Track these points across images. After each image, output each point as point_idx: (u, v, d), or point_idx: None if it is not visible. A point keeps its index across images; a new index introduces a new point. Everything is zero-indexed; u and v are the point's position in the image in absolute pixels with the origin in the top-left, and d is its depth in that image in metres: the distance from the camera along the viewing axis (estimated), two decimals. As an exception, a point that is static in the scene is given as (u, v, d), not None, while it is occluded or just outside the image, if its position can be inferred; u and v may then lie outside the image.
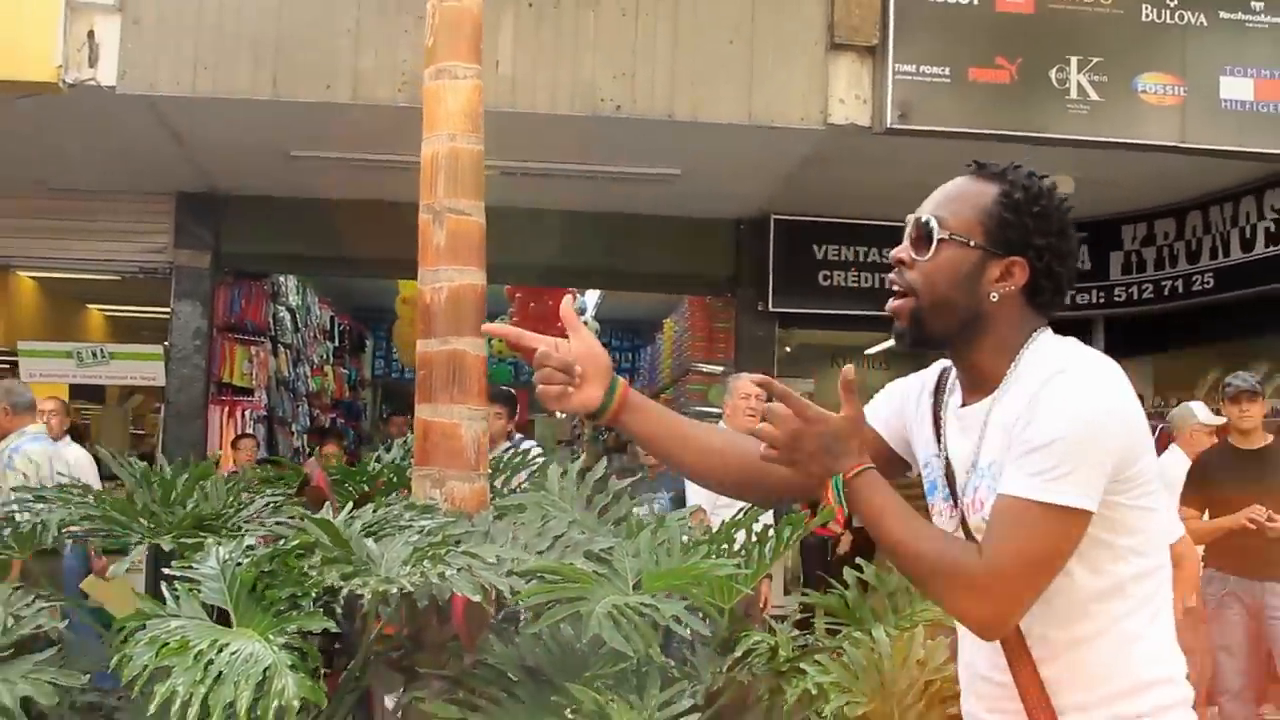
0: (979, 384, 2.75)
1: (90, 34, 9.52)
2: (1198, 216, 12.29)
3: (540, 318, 18.67)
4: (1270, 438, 8.61)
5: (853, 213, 12.61)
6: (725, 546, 4.67)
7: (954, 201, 2.76)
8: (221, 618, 4.20)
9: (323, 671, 4.10)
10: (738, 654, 4.53)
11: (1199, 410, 9.55)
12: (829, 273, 12.93)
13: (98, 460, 10.30)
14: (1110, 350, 11.64)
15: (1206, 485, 8.52)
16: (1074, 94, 9.65)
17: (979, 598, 2.50)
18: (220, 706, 3.61)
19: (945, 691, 4.96)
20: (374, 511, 4.87)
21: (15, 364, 13.43)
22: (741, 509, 4.80)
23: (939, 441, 2.84)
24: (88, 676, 4.69)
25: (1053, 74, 9.65)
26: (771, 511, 6.49)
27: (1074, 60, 9.64)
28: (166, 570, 4.40)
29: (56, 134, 10.59)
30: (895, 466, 3.02)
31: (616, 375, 2.98)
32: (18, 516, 5.38)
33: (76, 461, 9.85)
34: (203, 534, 5.01)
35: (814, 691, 4.35)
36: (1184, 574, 6.16)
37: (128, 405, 17.88)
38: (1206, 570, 8.39)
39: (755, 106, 9.73)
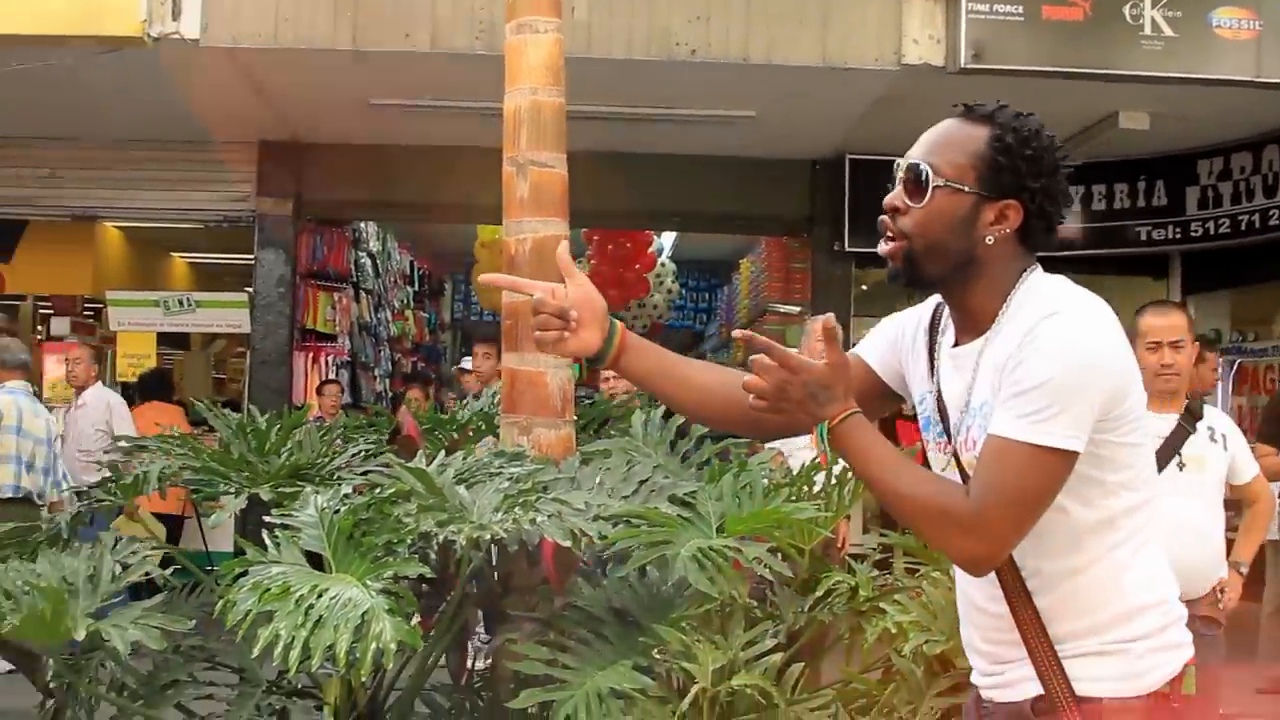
0: (972, 323, 2.77)
1: (173, -12, 9.65)
2: (1274, 151, 12.16)
3: (619, 260, 18.77)
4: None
5: (928, 151, 12.55)
6: (805, 489, 4.76)
7: (946, 147, 2.76)
8: (318, 563, 4.33)
9: (418, 615, 4.22)
10: (818, 594, 4.62)
11: None
12: (903, 214, 12.89)
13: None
14: (1187, 286, 11.60)
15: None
16: (1148, 30, 9.58)
17: (966, 536, 2.54)
18: (320, 649, 3.73)
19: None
20: (464, 459, 4.98)
21: (101, 311, 13.67)
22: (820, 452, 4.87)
23: (933, 378, 2.88)
24: (193, 621, 4.85)
25: (1126, 10, 9.59)
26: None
27: (1148, -4, 9.59)
28: (266, 518, 4.54)
29: (141, 87, 10.72)
30: (888, 401, 3.09)
31: (614, 319, 2.99)
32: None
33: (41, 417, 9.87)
34: (299, 483, 5.14)
35: (893, 630, 4.43)
36: (1260, 509, 6.18)
37: (210, 351, 18.10)
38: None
39: (829, 48, 9.74)
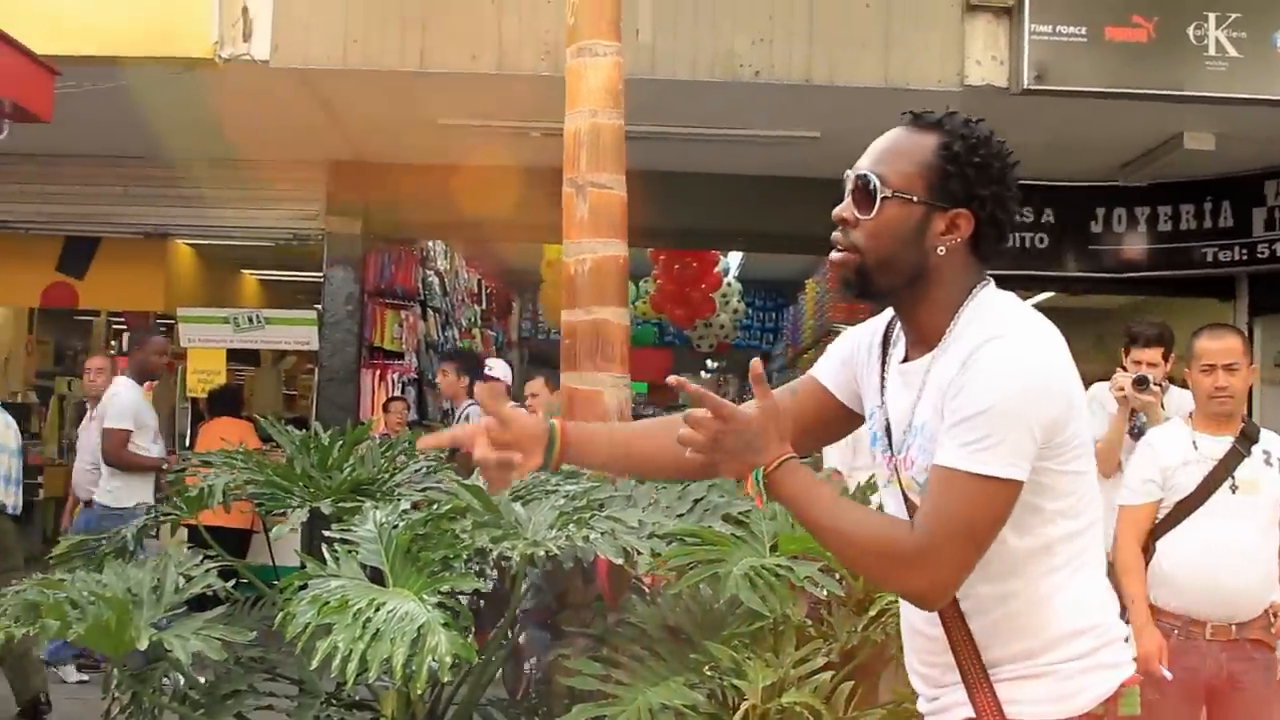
0: (921, 338, 2.73)
1: (244, 10, 9.76)
2: (1342, 171, 12.04)
3: (685, 279, 18.83)
4: None
5: (992, 171, 12.54)
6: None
7: (894, 156, 2.71)
8: (377, 577, 4.40)
9: (473, 629, 4.28)
10: (872, 613, 4.61)
11: None
12: (968, 231, 12.87)
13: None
14: (1254, 307, 11.50)
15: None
16: (1212, 50, 9.53)
17: (913, 571, 2.50)
18: (377, 662, 3.80)
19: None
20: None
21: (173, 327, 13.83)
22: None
23: (882, 394, 2.84)
24: (254, 633, 4.93)
25: (1190, 31, 9.53)
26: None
27: (1212, 17, 9.50)
28: (325, 532, 4.61)
29: (211, 107, 10.85)
30: (848, 420, 3.02)
31: (551, 425, 2.92)
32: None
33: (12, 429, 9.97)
34: (360, 498, 5.22)
35: (946, 650, 4.45)
36: None
37: (280, 367, 18.23)
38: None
39: (892, 69, 9.76)
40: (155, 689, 5.00)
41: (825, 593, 4.26)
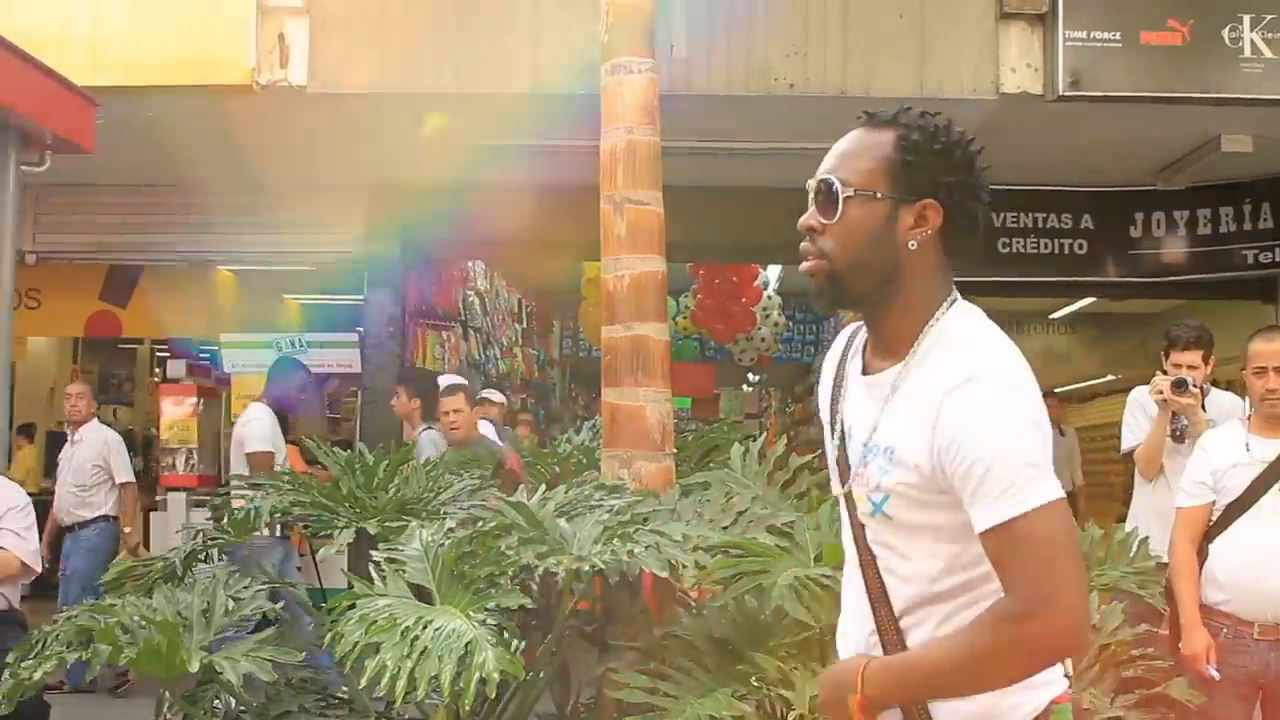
0: (888, 348, 2.67)
1: (280, 37, 9.83)
2: (1381, 171, 11.97)
3: (725, 294, 18.82)
4: None
5: (1028, 179, 12.51)
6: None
7: (853, 157, 2.67)
8: (423, 595, 4.43)
9: (521, 645, 4.31)
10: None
11: None
12: (1007, 240, 12.84)
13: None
14: (1296, 310, 11.32)
15: None
16: (1248, 52, 9.48)
17: (1031, 622, 2.38)
18: (425, 679, 3.83)
19: (1120, 655, 5.05)
20: (566, 492, 5.07)
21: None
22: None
23: (838, 404, 2.78)
24: (303, 654, 4.97)
25: (1225, 33, 9.49)
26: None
27: (1247, 19, 9.45)
28: (373, 552, 4.65)
29: (251, 134, 10.93)
30: None
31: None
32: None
33: None
34: (405, 517, 5.26)
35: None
36: None
37: (324, 390, 18.29)
38: None
39: (927, 79, 9.75)
40: (207, 710, 5.04)
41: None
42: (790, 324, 22.85)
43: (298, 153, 11.73)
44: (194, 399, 13.69)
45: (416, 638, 3.97)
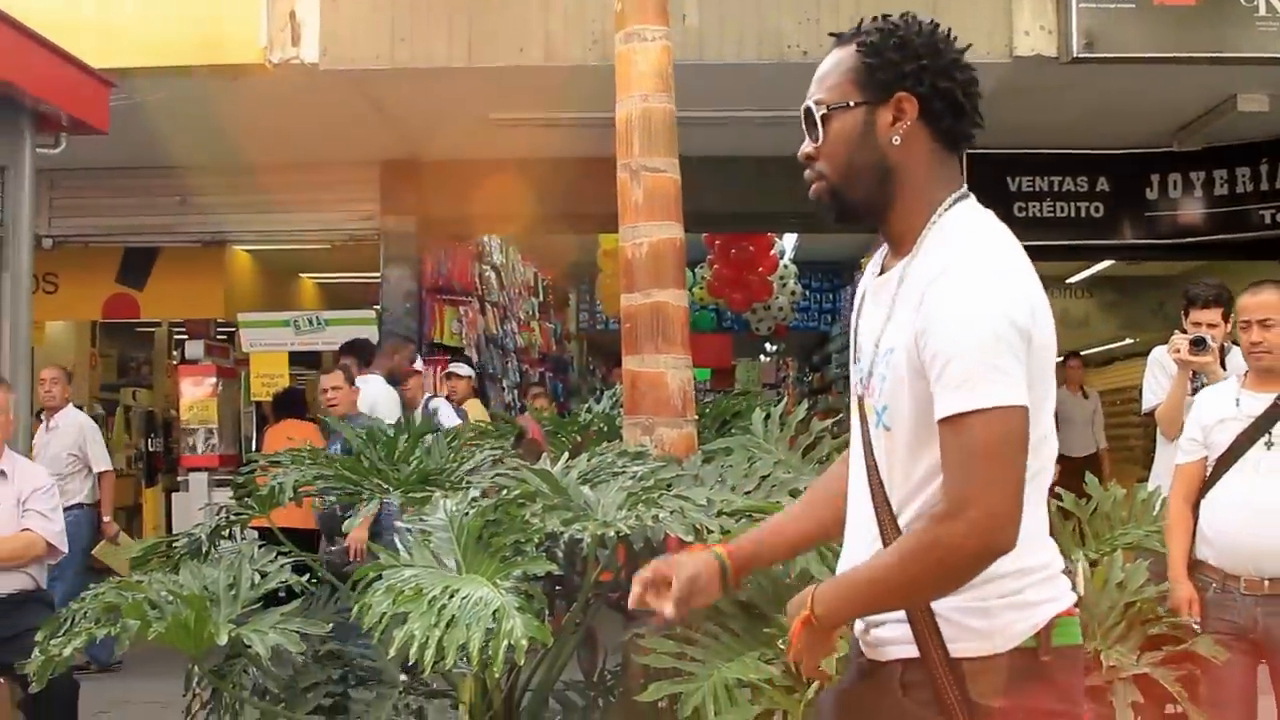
0: (898, 248, 2.71)
1: (291, 14, 9.84)
2: (1397, 129, 11.91)
3: (741, 264, 18.82)
4: None
5: (1044, 142, 12.51)
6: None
7: (824, 78, 2.73)
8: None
9: (547, 612, 4.31)
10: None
11: None
12: (1024, 204, 12.79)
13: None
14: (1311, 266, 11.29)
15: None
16: (1262, 11, 9.44)
17: (957, 520, 2.38)
18: (454, 648, 3.83)
19: (1146, 613, 5.05)
20: (589, 460, 5.07)
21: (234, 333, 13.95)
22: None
23: (859, 315, 2.80)
24: (329, 625, 4.99)
25: (1239, -8, 9.49)
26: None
27: (1260, -23, 9.46)
28: (397, 523, 4.66)
29: (264, 112, 10.94)
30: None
31: (720, 556, 2.95)
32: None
33: None
34: (429, 488, 5.27)
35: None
36: None
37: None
38: None
39: (940, 43, 9.72)
40: (236, 684, 5.07)
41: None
42: (807, 293, 22.85)
43: (311, 131, 11.75)
44: (213, 379, 13.75)
45: (444, 607, 3.97)
